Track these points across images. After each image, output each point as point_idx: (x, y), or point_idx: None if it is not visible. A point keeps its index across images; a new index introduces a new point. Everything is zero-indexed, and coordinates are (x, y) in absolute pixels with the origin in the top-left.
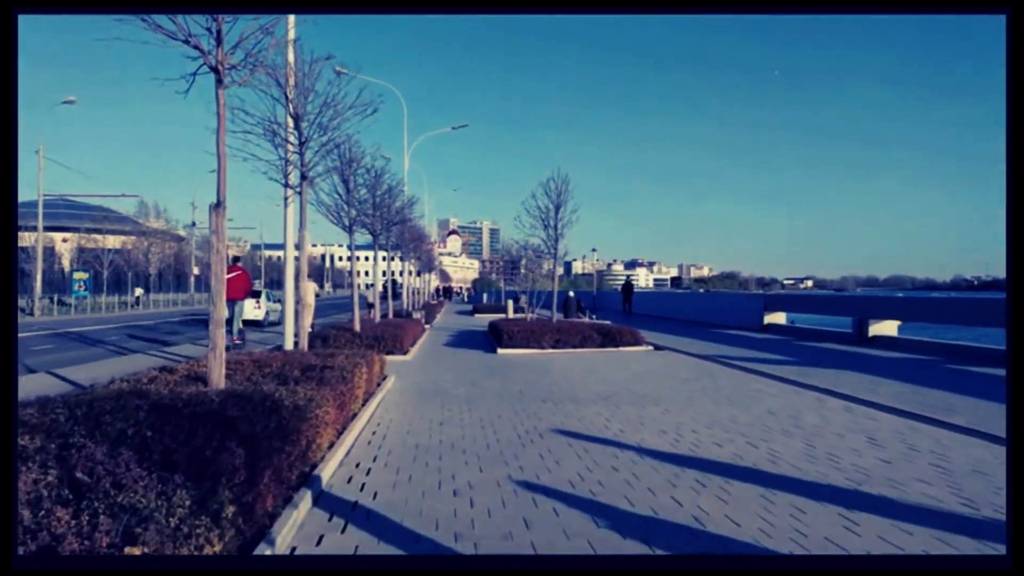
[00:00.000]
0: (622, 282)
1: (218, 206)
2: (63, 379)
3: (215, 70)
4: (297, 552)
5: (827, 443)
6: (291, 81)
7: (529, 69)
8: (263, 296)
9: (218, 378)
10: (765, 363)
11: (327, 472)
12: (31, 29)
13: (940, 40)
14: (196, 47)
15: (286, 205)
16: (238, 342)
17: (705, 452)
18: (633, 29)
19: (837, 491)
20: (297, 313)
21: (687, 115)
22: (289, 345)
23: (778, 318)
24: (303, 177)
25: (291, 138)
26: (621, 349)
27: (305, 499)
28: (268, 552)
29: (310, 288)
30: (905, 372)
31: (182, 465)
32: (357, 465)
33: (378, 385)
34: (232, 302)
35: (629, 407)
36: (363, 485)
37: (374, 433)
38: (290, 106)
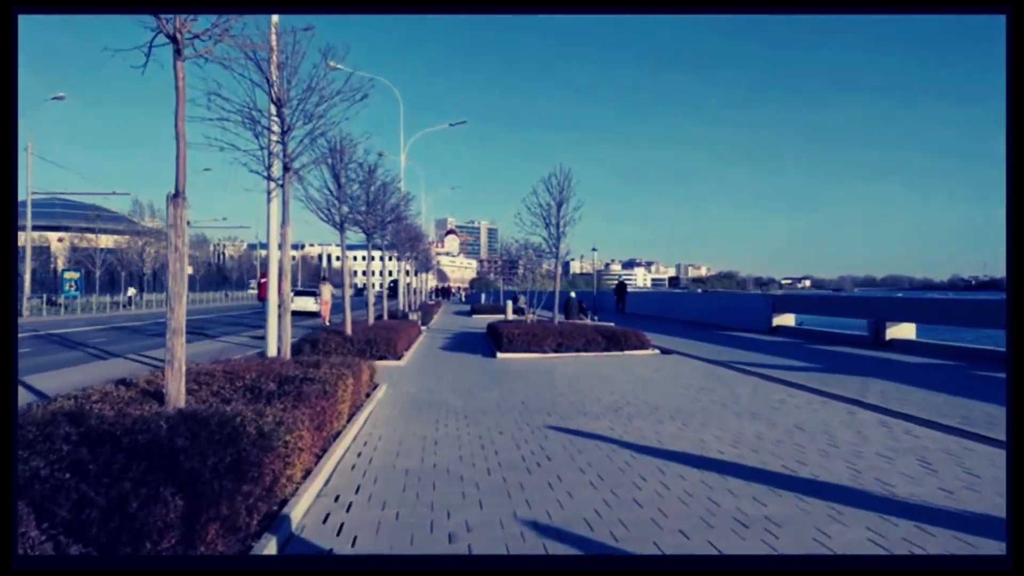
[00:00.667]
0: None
1: (176, 196)
2: (28, 388)
3: (172, 39)
4: None
5: (872, 466)
6: (274, 59)
7: (529, 69)
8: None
9: (176, 395)
10: (782, 369)
11: (299, 510)
12: (29, 29)
13: (939, 41)
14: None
15: (269, 199)
16: None
17: (737, 480)
18: (633, 29)
19: (905, 531)
20: (280, 316)
21: (687, 115)
22: (272, 351)
23: (786, 320)
24: (286, 168)
25: (273, 126)
26: (626, 353)
27: (269, 548)
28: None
29: (327, 289)
30: (933, 379)
31: (95, 523)
32: (336, 499)
33: (367, 396)
34: (263, 301)
35: (643, 422)
36: (341, 526)
37: (359, 455)
38: (272, 90)
